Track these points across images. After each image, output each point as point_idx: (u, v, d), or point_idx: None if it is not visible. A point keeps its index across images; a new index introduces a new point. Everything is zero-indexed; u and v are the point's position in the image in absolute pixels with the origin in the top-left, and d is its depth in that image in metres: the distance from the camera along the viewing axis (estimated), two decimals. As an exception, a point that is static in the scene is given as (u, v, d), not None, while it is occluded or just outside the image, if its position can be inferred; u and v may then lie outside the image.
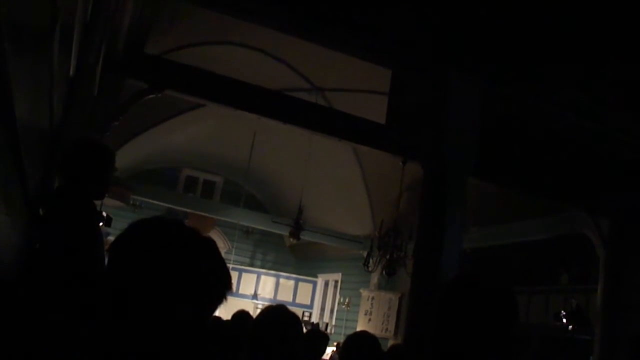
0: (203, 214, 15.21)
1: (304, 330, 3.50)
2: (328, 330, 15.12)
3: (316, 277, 18.12)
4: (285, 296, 17.28)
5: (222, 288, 1.36)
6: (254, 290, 17.07)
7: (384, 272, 10.61)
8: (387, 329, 14.40)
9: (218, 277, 1.36)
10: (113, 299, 1.28)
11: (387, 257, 10.16)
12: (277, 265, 18.71)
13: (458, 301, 1.86)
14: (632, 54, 6.52)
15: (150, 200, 14.19)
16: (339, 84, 11.04)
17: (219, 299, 1.35)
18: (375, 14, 6.19)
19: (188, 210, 15.01)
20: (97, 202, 3.17)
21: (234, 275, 16.51)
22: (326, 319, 17.36)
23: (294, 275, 18.04)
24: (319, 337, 5.81)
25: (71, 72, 2.91)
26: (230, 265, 14.95)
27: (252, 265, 18.36)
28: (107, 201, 10.48)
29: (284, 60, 10.69)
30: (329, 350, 12.17)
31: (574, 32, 6.33)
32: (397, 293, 14.42)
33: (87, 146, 3.16)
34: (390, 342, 12.97)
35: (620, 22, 6.15)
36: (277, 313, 3.05)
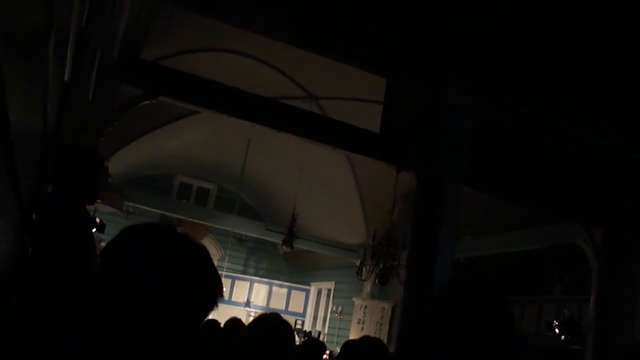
0: (196, 221, 15.20)
1: (297, 338, 3.50)
2: (320, 339, 15.09)
3: (309, 285, 18.10)
4: (278, 304, 17.26)
5: (214, 294, 1.36)
6: (246, 297, 17.05)
7: (377, 281, 10.59)
8: (379, 338, 14.37)
9: (209, 283, 1.36)
10: (104, 304, 1.28)
11: (380, 266, 10.15)
12: (270, 273, 18.70)
13: (453, 309, 1.86)
14: (621, 64, 6.55)
15: (144, 207, 14.15)
16: (334, 92, 11.06)
17: (211, 306, 1.35)
18: (371, 23, 6.20)
19: (181, 217, 14.99)
20: (91, 208, 3.17)
21: (227, 282, 16.50)
22: (319, 327, 17.34)
23: (286, 283, 18.03)
24: (316, 346, 5.80)
25: (66, 77, 2.91)
26: (223, 273, 14.88)
27: (245, 272, 18.34)
28: (101, 207, 10.47)
29: (279, 68, 10.71)
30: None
31: (570, 43, 6.36)
32: (390, 302, 14.41)
33: (75, 151, 3.17)
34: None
35: (620, 35, 6.18)
36: (269, 321, 3.04)
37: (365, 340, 4.30)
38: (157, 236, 1.35)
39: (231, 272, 17.37)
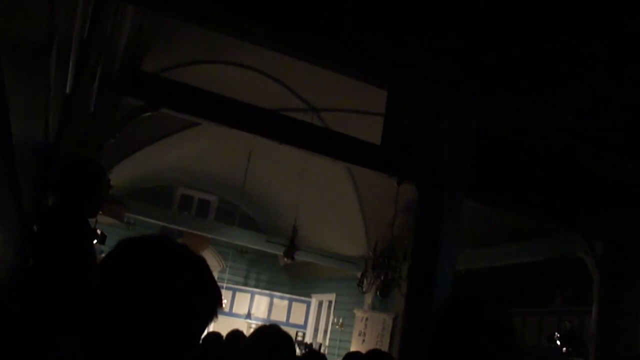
0: (197, 232, 15.19)
1: (298, 350, 3.49)
2: (321, 351, 15.04)
3: (310, 297, 18.06)
4: (279, 316, 17.21)
5: (213, 306, 1.35)
6: (247, 309, 17.01)
7: (378, 293, 10.57)
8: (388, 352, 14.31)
9: (208, 294, 1.35)
10: (102, 315, 1.27)
11: (381, 277, 10.13)
12: (271, 284, 18.66)
13: (454, 323, 1.86)
14: (619, 72, 6.56)
15: (145, 219, 14.15)
16: (335, 104, 11.07)
17: (210, 317, 1.35)
18: (373, 36, 6.21)
19: (182, 229, 14.98)
20: (91, 219, 3.17)
21: (228, 294, 16.47)
22: (320, 339, 17.30)
23: (287, 295, 17.99)
24: (316, 358, 5.77)
25: (67, 90, 2.92)
26: (224, 285, 14.83)
27: (246, 284, 18.31)
28: (102, 219, 10.47)
29: (280, 80, 10.72)
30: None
31: (572, 56, 6.37)
32: (391, 314, 14.38)
33: (77, 163, 3.17)
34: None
35: (619, 48, 6.20)
36: (270, 333, 3.04)
37: (372, 353, 4.28)
38: (155, 248, 1.35)
39: (232, 283, 17.36)
